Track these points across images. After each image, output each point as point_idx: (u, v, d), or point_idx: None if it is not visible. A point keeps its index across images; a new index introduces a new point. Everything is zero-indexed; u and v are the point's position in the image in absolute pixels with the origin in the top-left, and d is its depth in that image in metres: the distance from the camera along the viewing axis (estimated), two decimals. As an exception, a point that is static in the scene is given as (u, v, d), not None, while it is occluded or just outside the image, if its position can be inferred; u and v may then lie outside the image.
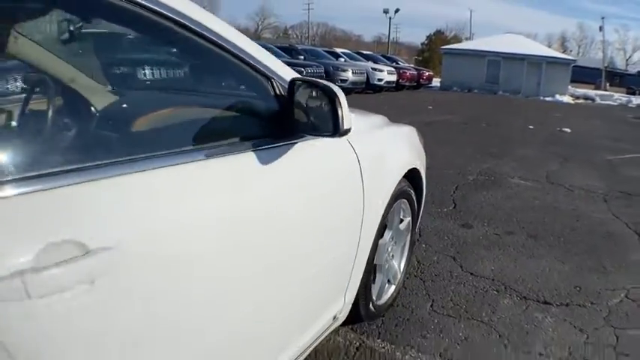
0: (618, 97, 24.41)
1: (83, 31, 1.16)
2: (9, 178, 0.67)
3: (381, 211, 1.72)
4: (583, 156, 6.58)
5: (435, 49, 42.33)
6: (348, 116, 1.13)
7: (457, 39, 50.64)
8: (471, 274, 2.59)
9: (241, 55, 1.11)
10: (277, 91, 1.18)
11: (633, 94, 29.51)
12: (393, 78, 17.43)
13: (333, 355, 1.81)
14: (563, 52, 57.50)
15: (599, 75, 38.33)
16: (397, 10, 39.42)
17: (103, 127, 1.18)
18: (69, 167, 0.75)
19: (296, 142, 1.20)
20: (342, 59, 16.77)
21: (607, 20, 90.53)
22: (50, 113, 1.03)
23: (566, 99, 21.58)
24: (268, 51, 1.22)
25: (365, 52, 22.73)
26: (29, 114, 1.13)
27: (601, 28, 41.32)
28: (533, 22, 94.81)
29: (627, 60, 60.42)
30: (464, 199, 4.04)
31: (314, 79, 1.16)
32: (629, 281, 2.59)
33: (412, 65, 26.98)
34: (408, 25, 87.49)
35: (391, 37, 50.83)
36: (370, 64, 17.24)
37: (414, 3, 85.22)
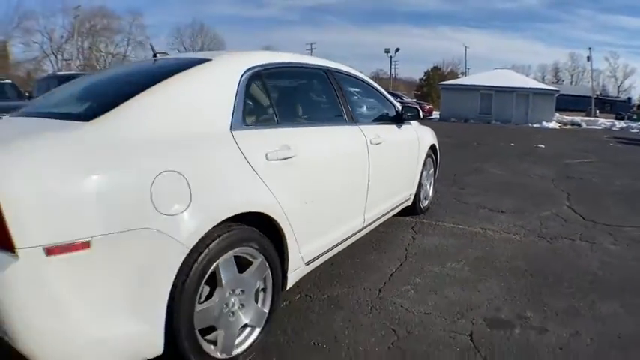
0: (603, 122, 27.03)
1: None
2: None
3: (422, 159, 4.26)
4: (548, 160, 9.15)
5: (433, 84, 45.70)
6: (420, 114, 3.76)
7: (453, 74, 54.09)
8: (464, 203, 5.14)
9: (389, 99, 3.74)
10: (397, 110, 3.78)
11: (622, 119, 32.19)
12: (399, 111, 20.33)
13: (407, 223, 4.31)
14: (556, 82, 61.02)
15: (590, 103, 40.85)
16: (397, 50, 43.07)
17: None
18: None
19: (402, 124, 3.77)
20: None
21: (598, 49, 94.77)
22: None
23: (552, 125, 24.30)
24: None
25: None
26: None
27: (589, 58, 43.93)
28: (527, 54, 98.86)
29: (619, 87, 63.94)
30: (459, 179, 6.61)
31: (412, 103, 3.81)
32: (554, 209, 5.06)
33: (415, 100, 30.02)
34: (405, 61, 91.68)
35: (389, 73, 54.13)
36: (379, 100, 20.14)
37: (410, 39, 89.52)
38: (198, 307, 1.77)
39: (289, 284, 2.34)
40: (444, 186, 5.97)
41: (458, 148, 10.95)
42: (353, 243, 3.17)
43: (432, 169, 4.76)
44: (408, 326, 2.45)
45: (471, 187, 6.11)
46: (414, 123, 4.19)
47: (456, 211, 4.82)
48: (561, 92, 42.91)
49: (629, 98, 50.46)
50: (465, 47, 56.66)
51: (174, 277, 1.63)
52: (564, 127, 24.52)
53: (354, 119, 3.02)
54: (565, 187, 6.32)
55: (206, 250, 1.73)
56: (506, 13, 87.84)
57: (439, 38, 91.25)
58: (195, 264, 1.70)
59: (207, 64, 2.16)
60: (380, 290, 2.87)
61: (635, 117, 30.87)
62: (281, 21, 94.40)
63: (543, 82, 52.83)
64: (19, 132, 1.76)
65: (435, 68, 56.81)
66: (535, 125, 23.90)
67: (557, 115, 27.73)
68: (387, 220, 3.83)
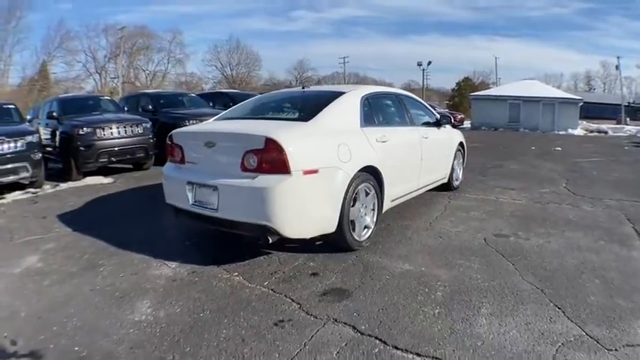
0: (629, 129, 27.59)
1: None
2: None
3: (454, 151, 6.13)
4: (560, 159, 10.76)
5: (464, 94, 46.90)
6: (452, 120, 5.70)
7: (484, 84, 54.96)
8: (485, 184, 6.96)
9: (431, 110, 5.69)
10: (437, 118, 5.68)
11: (651, 126, 32.55)
12: (432, 120, 22.15)
13: (444, 194, 6.17)
14: (588, 91, 60.94)
15: (621, 110, 40.95)
16: (430, 63, 44.70)
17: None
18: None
19: (440, 127, 5.66)
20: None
21: (630, 56, 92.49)
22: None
23: (577, 132, 25.40)
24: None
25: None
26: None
27: (617, 67, 44.06)
28: (560, 62, 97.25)
29: (651, 94, 63.04)
30: (483, 171, 8.40)
31: (445, 113, 5.77)
32: (553, 188, 6.81)
33: (447, 110, 31.63)
34: (436, 71, 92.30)
35: (421, 84, 55.17)
36: (414, 111, 22.03)
37: (441, 49, 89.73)
38: (350, 209, 3.73)
39: (384, 210, 4.29)
40: (471, 175, 7.74)
41: (485, 151, 12.67)
42: (410, 200, 5.11)
43: (461, 159, 6.62)
44: (449, 235, 4.36)
45: (491, 175, 7.93)
46: (448, 127, 6.08)
47: (479, 188, 6.66)
48: (593, 100, 43.51)
49: (660, 106, 50.10)
50: (495, 58, 57.82)
51: (344, 190, 3.59)
52: (590, 134, 25.49)
53: (413, 123, 4.99)
54: (567, 176, 8.00)
55: (355, 181, 3.70)
56: (537, 22, 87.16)
57: (470, 48, 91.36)
58: (351, 187, 3.66)
59: (345, 94, 4.17)
60: (430, 223, 4.78)
61: (663, 124, 31.24)
62: (313, 34, 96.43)
63: (576, 91, 53.19)
64: (269, 126, 3.72)
65: (466, 79, 57.77)
66: (561, 132, 25.06)
67: (584, 122, 28.74)
68: (430, 191, 5.74)
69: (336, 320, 2.73)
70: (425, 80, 52.21)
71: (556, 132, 25.31)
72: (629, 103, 48.04)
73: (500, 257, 3.78)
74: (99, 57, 53.32)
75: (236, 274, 3.48)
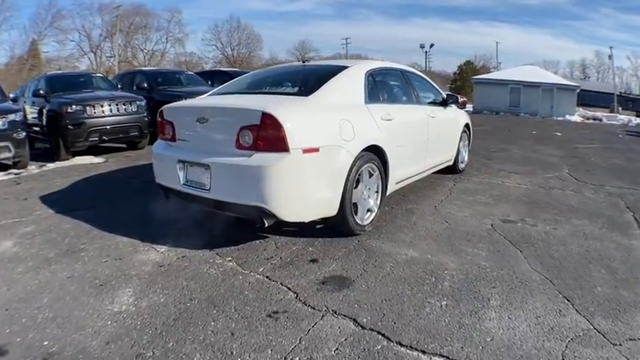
0: (621, 117, 27.14)
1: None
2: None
3: (460, 132, 5.75)
4: (560, 144, 10.37)
5: (466, 78, 45.97)
6: (459, 100, 5.32)
7: (485, 68, 53.83)
8: (490, 168, 6.60)
9: (437, 89, 5.30)
10: (443, 97, 5.29)
11: (640, 116, 31.98)
12: (434, 104, 21.65)
13: (449, 177, 5.83)
14: (583, 79, 59.94)
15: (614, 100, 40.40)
16: (432, 45, 43.91)
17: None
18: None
19: (447, 107, 5.28)
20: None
21: (621, 47, 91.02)
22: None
23: (575, 118, 24.89)
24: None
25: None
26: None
27: (610, 57, 43.24)
28: (557, 50, 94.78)
29: (640, 85, 61.98)
30: (487, 154, 8.03)
31: (451, 93, 5.37)
32: (556, 173, 6.46)
33: (450, 93, 30.98)
34: (438, 54, 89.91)
35: (423, 67, 53.85)
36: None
37: (442, 33, 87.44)
38: (353, 191, 3.38)
39: (388, 192, 3.95)
40: (476, 158, 7.37)
41: (488, 134, 12.26)
42: (415, 183, 4.76)
43: (467, 142, 6.24)
44: (455, 220, 4.03)
45: (495, 159, 7.56)
46: (454, 107, 5.70)
47: (484, 172, 6.31)
48: (587, 89, 42.64)
49: (650, 97, 49.21)
50: (496, 43, 56.43)
51: (347, 171, 3.25)
52: (586, 121, 25.01)
53: (419, 101, 4.61)
54: (568, 161, 7.64)
55: (358, 161, 3.34)
56: (536, 9, 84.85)
57: (471, 32, 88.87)
58: (354, 167, 3.31)
59: (348, 69, 3.78)
60: (436, 207, 4.45)
61: (654, 114, 30.75)
62: (314, 15, 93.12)
63: (572, 78, 52.22)
64: (266, 100, 3.36)
65: (468, 62, 56.41)
66: (559, 118, 24.54)
67: (581, 109, 28.20)
68: (435, 174, 5.39)
69: (335, 312, 2.42)
70: (427, 63, 51.29)
71: (555, 117, 24.79)
72: (620, 92, 47.25)
73: (508, 244, 3.48)
74: (94, 36, 50.26)
75: (229, 259, 3.17)
